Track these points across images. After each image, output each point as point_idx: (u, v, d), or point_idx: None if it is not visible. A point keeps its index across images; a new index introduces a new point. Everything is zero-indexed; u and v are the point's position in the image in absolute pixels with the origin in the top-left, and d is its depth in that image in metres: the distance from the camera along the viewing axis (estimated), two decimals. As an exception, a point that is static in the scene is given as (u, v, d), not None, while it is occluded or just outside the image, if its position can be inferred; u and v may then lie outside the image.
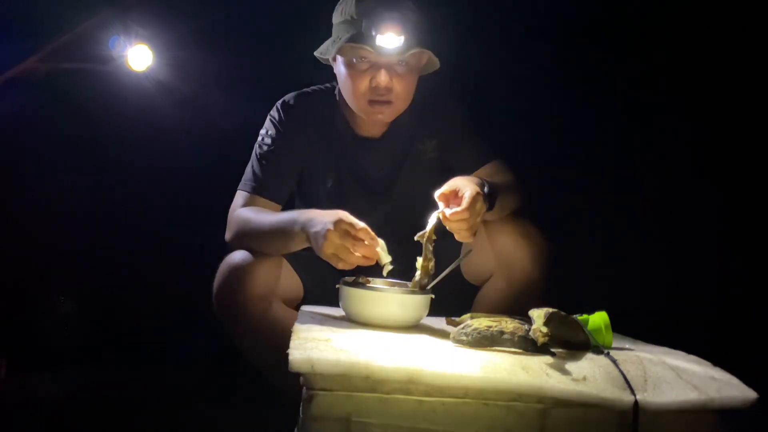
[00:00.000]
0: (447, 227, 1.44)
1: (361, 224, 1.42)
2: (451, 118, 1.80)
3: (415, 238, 1.45)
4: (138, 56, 2.22)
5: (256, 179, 1.71)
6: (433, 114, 1.79)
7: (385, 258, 1.44)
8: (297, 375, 1.08)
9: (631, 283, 2.25)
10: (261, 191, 1.71)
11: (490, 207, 1.52)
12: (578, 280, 2.04)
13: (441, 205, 1.45)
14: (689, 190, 2.35)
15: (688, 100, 2.31)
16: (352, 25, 1.62)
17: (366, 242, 1.41)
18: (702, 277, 2.29)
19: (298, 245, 1.54)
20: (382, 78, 1.63)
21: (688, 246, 2.33)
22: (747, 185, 2.30)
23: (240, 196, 1.72)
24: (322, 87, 1.83)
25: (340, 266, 1.42)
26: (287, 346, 1.12)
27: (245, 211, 1.67)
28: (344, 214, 1.43)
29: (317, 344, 1.14)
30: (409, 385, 1.07)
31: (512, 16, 2.38)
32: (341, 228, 1.40)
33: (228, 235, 1.67)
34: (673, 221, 2.36)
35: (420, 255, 1.44)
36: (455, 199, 1.44)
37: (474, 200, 1.41)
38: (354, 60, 1.65)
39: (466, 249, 1.50)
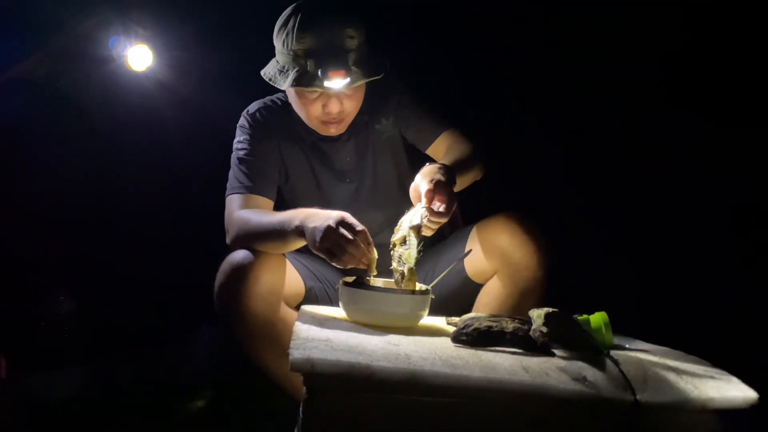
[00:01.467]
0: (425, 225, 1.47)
1: (361, 227, 1.43)
2: (399, 94, 1.85)
3: (408, 230, 1.46)
4: (138, 56, 2.23)
5: (244, 179, 1.74)
6: (382, 96, 1.84)
7: (373, 270, 1.45)
8: (297, 375, 1.08)
9: (631, 283, 2.25)
10: (252, 189, 1.73)
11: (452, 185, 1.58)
12: (578, 280, 2.04)
13: (421, 209, 1.47)
14: (690, 189, 2.35)
15: (690, 99, 2.31)
16: (297, 62, 1.64)
17: (363, 245, 1.41)
18: (702, 277, 2.29)
19: (296, 241, 1.54)
20: (333, 107, 1.69)
21: (688, 246, 2.33)
22: (747, 185, 2.30)
23: (233, 200, 1.72)
24: (279, 97, 1.88)
25: (333, 262, 1.43)
26: (288, 346, 1.12)
27: (244, 213, 1.68)
28: (346, 215, 1.44)
29: (317, 344, 1.14)
30: (409, 385, 1.07)
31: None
32: (341, 225, 1.41)
33: (229, 239, 1.67)
34: (674, 221, 2.36)
35: (411, 252, 1.45)
36: (418, 197, 1.50)
37: (450, 198, 1.47)
38: (304, 90, 1.69)
39: (468, 250, 1.50)
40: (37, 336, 2.31)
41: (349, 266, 1.42)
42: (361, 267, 1.43)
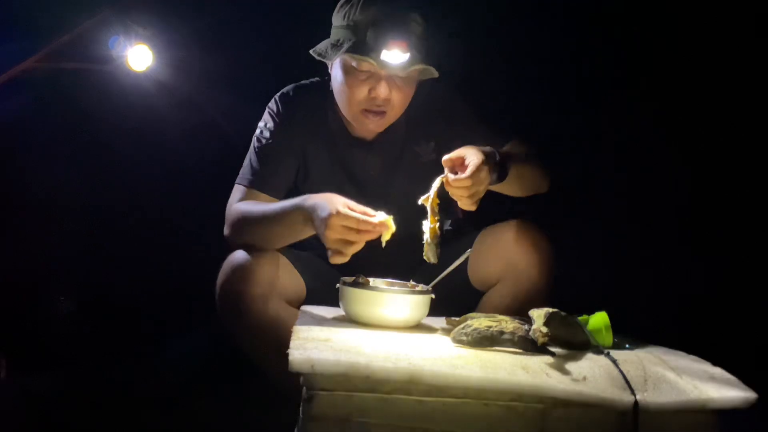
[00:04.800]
0: (450, 193, 1.45)
1: (358, 214, 1.40)
2: (449, 118, 1.75)
3: (419, 201, 1.46)
4: (138, 56, 2.22)
5: (255, 173, 1.70)
6: (429, 116, 1.75)
7: (390, 230, 1.42)
8: (297, 375, 1.08)
9: (631, 283, 2.25)
10: (260, 186, 1.69)
11: (502, 177, 1.53)
12: (578, 280, 2.04)
13: (446, 170, 1.45)
14: (690, 189, 2.35)
15: (692, 100, 2.31)
16: (355, 33, 1.58)
17: (368, 227, 1.40)
18: (702, 277, 2.29)
19: (303, 231, 1.53)
20: (382, 90, 1.60)
21: (688, 246, 2.33)
22: (748, 185, 2.30)
23: (237, 190, 1.70)
24: (317, 81, 1.81)
25: (350, 251, 1.41)
26: (288, 346, 1.12)
27: (243, 205, 1.65)
28: (342, 207, 1.41)
29: (317, 344, 1.14)
30: (409, 385, 1.07)
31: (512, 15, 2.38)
32: (341, 223, 1.40)
33: (226, 230, 1.65)
34: (674, 221, 2.36)
35: (428, 225, 1.46)
36: (461, 166, 1.44)
37: (478, 169, 1.41)
38: (354, 67, 1.61)
39: (468, 250, 1.50)
40: (37, 336, 2.31)
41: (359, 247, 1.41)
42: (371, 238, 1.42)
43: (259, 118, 1.80)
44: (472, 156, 1.43)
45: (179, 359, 2.23)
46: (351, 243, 1.40)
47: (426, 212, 1.47)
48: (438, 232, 1.45)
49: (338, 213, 1.40)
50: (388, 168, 1.77)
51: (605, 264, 2.29)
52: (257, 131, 1.75)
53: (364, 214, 1.41)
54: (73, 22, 2.17)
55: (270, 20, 2.42)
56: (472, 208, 1.45)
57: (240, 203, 1.67)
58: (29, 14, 2.14)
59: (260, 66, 2.40)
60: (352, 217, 1.40)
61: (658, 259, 2.34)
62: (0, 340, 2.12)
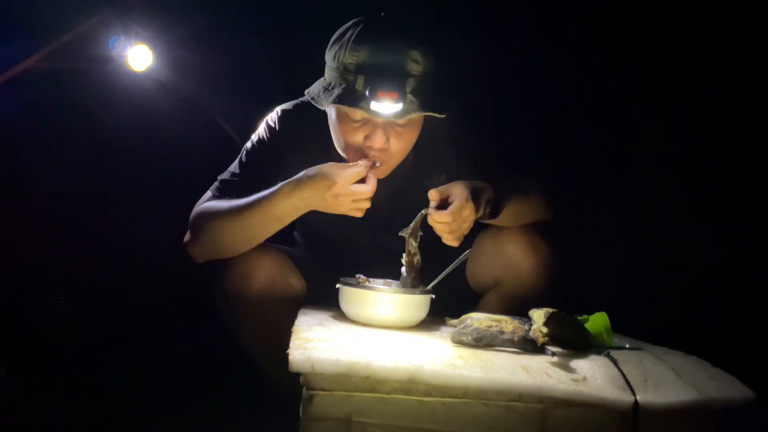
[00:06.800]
0: (432, 228, 1.41)
1: (360, 192, 1.42)
2: (458, 150, 1.64)
3: (399, 233, 1.44)
4: (138, 56, 2.23)
5: (229, 179, 1.62)
6: (437, 149, 1.63)
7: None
8: (297, 375, 1.08)
9: (631, 283, 2.25)
10: (230, 190, 1.58)
11: (495, 214, 1.47)
12: (578, 280, 2.04)
13: (431, 203, 1.41)
14: (690, 190, 2.35)
15: (692, 100, 2.31)
16: (345, 78, 1.43)
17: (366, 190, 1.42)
18: (702, 277, 2.29)
19: (290, 208, 1.46)
20: (377, 140, 1.47)
21: (688, 246, 2.33)
22: (748, 185, 2.30)
23: (205, 196, 1.62)
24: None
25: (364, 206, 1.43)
26: (288, 345, 1.12)
27: (206, 204, 1.58)
28: (340, 183, 1.41)
29: (317, 344, 1.14)
30: (409, 385, 1.07)
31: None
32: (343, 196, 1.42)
33: (186, 236, 1.58)
34: (674, 221, 2.36)
35: (405, 258, 1.45)
36: (447, 201, 1.40)
37: (461, 207, 1.36)
38: (347, 114, 1.48)
39: (467, 251, 1.49)
40: (37, 336, 2.31)
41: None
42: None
43: (259, 118, 1.77)
44: (457, 193, 1.38)
45: (179, 359, 2.23)
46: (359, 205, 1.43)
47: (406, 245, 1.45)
48: (416, 265, 1.43)
49: (338, 193, 1.41)
50: (392, 198, 1.65)
51: (605, 264, 2.29)
52: (249, 141, 1.67)
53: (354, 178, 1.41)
54: (73, 22, 2.17)
55: (270, 20, 2.42)
56: (455, 244, 1.40)
57: (201, 204, 1.59)
58: (29, 14, 2.14)
59: (260, 66, 2.40)
60: (353, 192, 1.42)
61: (658, 259, 2.34)
62: (0, 340, 2.12)
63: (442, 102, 1.46)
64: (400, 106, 1.39)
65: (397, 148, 1.50)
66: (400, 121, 1.46)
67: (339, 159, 1.57)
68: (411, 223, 1.43)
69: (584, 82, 2.38)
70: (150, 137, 2.46)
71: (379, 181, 1.51)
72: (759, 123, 2.26)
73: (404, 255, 1.44)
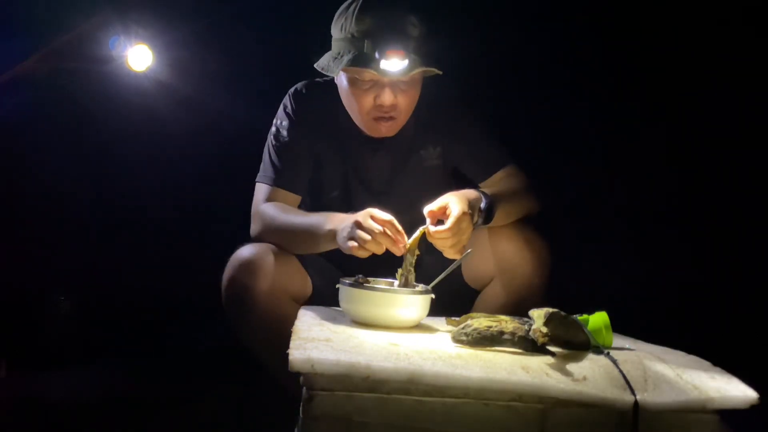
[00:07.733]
0: (433, 244, 1.46)
1: (389, 216, 1.44)
2: (456, 126, 1.77)
3: (399, 254, 1.46)
4: (138, 56, 2.23)
5: (276, 171, 1.72)
6: (436, 122, 1.77)
7: (409, 250, 1.43)
8: (297, 375, 1.08)
9: (631, 283, 2.25)
10: (282, 183, 1.71)
11: (488, 220, 1.57)
12: (578, 280, 2.04)
13: (428, 220, 1.47)
14: (690, 189, 2.35)
15: (692, 100, 2.31)
16: (353, 45, 1.59)
17: (391, 233, 1.42)
18: (702, 277, 2.29)
19: (327, 245, 1.56)
20: (387, 97, 1.62)
21: (687, 246, 2.33)
22: (748, 186, 2.30)
23: (261, 189, 1.72)
24: (330, 79, 1.79)
25: (360, 252, 1.43)
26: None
27: (269, 208, 1.68)
28: (373, 210, 1.45)
29: (317, 344, 1.13)
30: (409, 385, 1.07)
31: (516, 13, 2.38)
32: (369, 218, 1.43)
33: (253, 231, 1.68)
34: (673, 221, 2.36)
35: (400, 272, 1.45)
36: (444, 216, 1.46)
37: (459, 220, 1.43)
38: (357, 78, 1.63)
39: (468, 250, 1.49)
40: (37, 336, 2.31)
41: (379, 252, 1.43)
42: (396, 252, 1.43)
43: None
44: (454, 206, 1.45)
45: (180, 359, 2.23)
46: (366, 240, 1.42)
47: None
48: (410, 284, 1.45)
49: (366, 213, 1.44)
50: (394, 169, 1.78)
51: (605, 264, 2.29)
52: (273, 129, 1.76)
53: (389, 225, 1.43)
54: (73, 22, 2.18)
55: (270, 20, 2.42)
56: (457, 256, 1.46)
57: (266, 205, 1.69)
58: (29, 14, 2.14)
59: (260, 66, 2.40)
60: (379, 215, 1.43)
61: (658, 259, 2.34)
62: (0, 340, 2.13)
63: (439, 60, 1.61)
64: (405, 63, 1.55)
65: (403, 103, 1.65)
66: (405, 79, 1.60)
67: (349, 132, 1.74)
68: (409, 239, 1.45)
69: (584, 81, 2.38)
70: (150, 137, 2.46)
71: (384, 146, 1.73)
72: (759, 123, 2.26)
73: (399, 270, 1.46)
